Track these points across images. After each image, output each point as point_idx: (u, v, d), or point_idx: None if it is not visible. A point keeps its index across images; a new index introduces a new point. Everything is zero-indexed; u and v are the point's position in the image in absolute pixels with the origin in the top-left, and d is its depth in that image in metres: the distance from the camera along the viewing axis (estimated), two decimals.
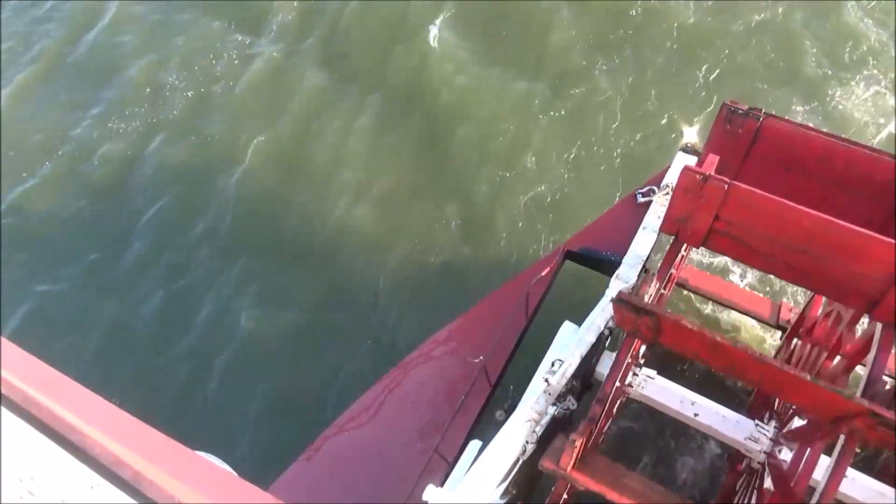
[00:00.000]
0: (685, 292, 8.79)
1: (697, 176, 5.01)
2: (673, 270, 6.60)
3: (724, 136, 5.71)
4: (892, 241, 4.63)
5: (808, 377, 4.58)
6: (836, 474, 4.68)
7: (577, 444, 5.03)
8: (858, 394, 4.88)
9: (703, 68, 11.72)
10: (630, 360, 5.93)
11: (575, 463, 5.08)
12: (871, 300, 4.96)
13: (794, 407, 6.21)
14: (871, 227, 5.09)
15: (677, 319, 4.85)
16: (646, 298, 5.58)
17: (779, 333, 8.48)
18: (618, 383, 5.73)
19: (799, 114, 11.03)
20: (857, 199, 5.50)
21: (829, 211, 5.13)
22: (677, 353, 5.74)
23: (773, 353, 8.59)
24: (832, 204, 5.43)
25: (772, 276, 8.82)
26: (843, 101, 11.17)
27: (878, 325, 5.09)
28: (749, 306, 8.17)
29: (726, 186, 4.93)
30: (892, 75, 11.35)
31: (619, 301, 5.03)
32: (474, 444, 5.60)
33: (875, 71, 11.43)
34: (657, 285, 5.78)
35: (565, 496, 5.59)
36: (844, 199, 5.54)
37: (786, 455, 5.86)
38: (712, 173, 5.07)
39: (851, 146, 5.41)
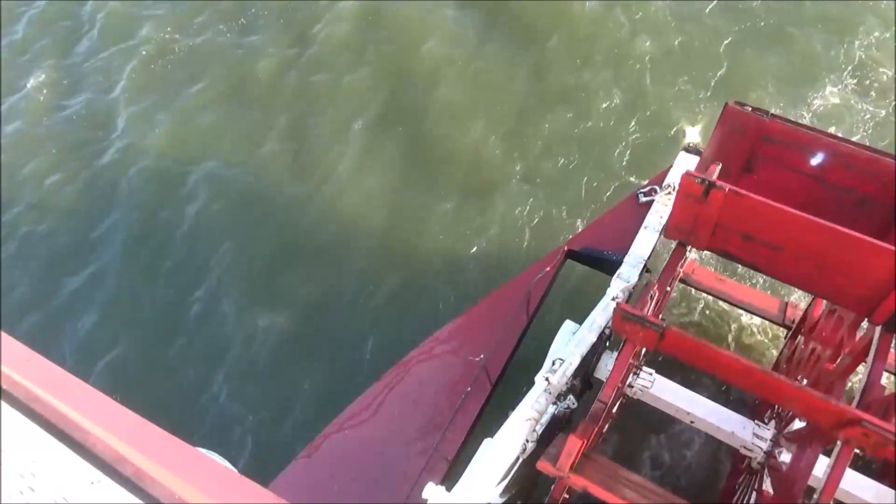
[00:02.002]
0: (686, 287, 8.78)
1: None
2: (680, 269, 6.53)
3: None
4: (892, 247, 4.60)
5: (800, 385, 4.52)
6: (832, 478, 4.61)
7: (576, 446, 4.98)
8: (856, 400, 4.86)
9: (706, 66, 11.71)
10: (632, 361, 5.90)
11: (573, 465, 5.04)
12: (869, 304, 4.93)
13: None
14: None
15: (681, 333, 4.81)
16: (649, 301, 5.54)
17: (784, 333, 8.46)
18: (619, 384, 5.71)
19: (805, 114, 11.02)
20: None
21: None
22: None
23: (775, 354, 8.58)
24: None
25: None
26: (847, 104, 11.16)
27: (878, 329, 5.06)
28: (756, 304, 8.12)
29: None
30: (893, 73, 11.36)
31: (624, 314, 4.91)
32: (487, 443, 5.56)
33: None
34: (656, 294, 5.71)
35: (565, 495, 5.59)
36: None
37: (785, 457, 5.85)
38: None
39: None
